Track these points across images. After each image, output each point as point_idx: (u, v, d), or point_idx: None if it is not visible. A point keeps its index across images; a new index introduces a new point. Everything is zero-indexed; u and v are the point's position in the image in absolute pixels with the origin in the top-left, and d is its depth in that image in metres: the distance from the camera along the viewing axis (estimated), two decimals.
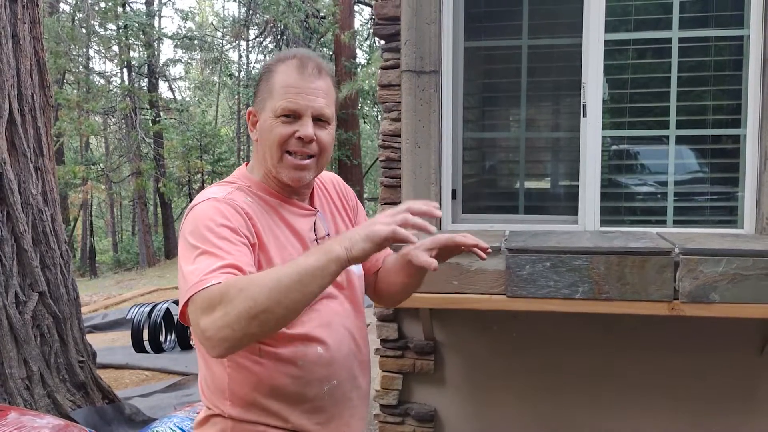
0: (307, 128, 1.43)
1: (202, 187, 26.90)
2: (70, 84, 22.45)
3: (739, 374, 2.75)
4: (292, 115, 1.44)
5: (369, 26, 20.76)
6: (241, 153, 28.14)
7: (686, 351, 2.77)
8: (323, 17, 21.34)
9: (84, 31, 21.64)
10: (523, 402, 2.90)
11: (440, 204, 2.96)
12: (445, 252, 1.52)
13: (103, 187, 23.89)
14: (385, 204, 3.01)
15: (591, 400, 2.85)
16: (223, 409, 1.44)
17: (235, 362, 1.40)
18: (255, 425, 1.42)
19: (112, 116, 22.26)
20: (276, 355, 1.40)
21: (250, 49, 26.16)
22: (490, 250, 1.53)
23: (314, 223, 1.54)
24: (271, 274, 1.20)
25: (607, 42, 2.86)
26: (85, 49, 22.31)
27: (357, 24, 22.54)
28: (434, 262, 1.33)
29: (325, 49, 24.26)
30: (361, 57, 22.26)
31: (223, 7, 35.46)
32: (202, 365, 1.49)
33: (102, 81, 22.80)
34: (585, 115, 2.88)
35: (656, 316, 2.40)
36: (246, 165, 1.58)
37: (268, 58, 24.20)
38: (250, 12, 23.25)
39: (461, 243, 1.48)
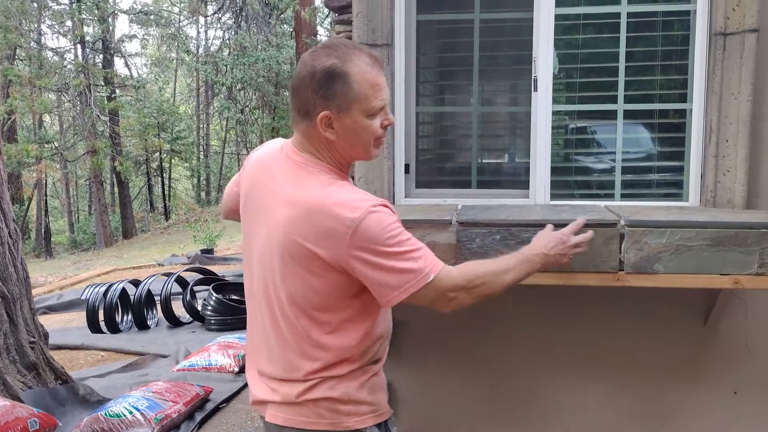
0: (390, 116, 1.69)
1: (160, 166, 26.42)
2: (21, 60, 21.82)
3: (685, 346, 2.83)
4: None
5: None
6: (201, 131, 27.61)
7: (633, 323, 2.84)
8: None
9: (35, 5, 20.99)
10: (475, 374, 2.94)
11: (393, 179, 2.96)
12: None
13: (57, 166, 23.33)
14: None
15: (541, 371, 2.90)
16: (339, 373, 1.71)
17: (360, 331, 1.74)
18: (366, 370, 1.78)
19: (66, 93, 21.67)
20: (381, 309, 1.78)
21: (208, 25, 25.68)
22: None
23: None
24: (507, 275, 1.81)
25: (557, 16, 2.87)
26: (36, 24, 21.67)
27: (317, 1, 22.27)
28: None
29: (285, 26, 23.91)
30: (322, 34, 22.03)
31: None
32: (315, 347, 1.70)
33: (55, 57, 22.17)
34: (536, 89, 2.90)
35: (604, 288, 2.43)
36: (302, 150, 1.70)
37: (227, 35, 23.73)
38: None
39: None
